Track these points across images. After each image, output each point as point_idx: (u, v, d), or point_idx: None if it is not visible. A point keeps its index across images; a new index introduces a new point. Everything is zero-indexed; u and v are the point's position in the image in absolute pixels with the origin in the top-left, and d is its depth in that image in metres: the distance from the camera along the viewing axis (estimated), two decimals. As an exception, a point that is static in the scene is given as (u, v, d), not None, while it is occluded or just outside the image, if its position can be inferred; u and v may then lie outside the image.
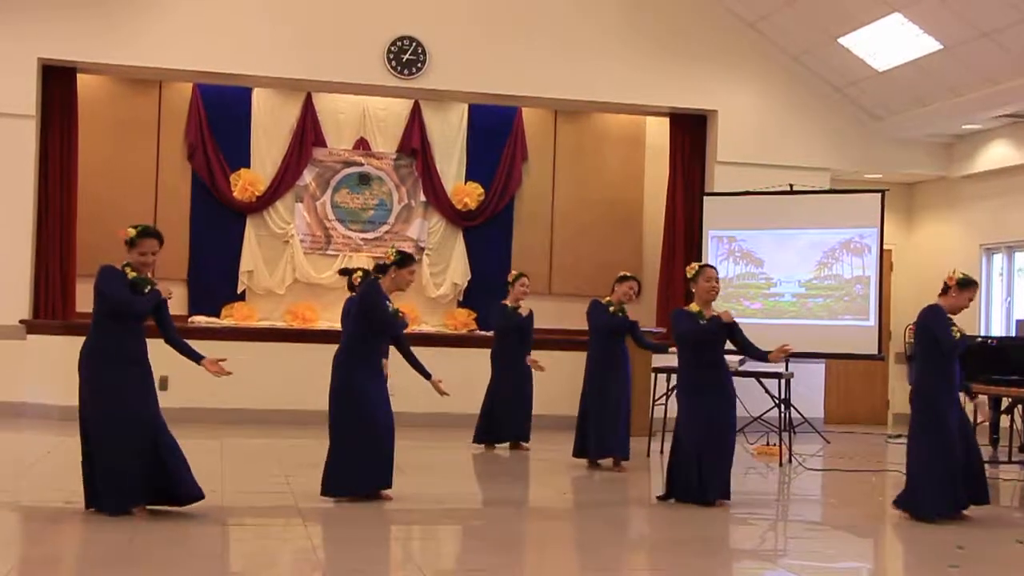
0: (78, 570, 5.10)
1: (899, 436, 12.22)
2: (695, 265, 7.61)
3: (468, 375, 10.19)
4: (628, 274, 9.12)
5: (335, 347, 8.49)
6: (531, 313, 10.05)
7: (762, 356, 7.49)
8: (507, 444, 9.93)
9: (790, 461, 9.66)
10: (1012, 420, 9.71)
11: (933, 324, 6.96)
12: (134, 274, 6.23)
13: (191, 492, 6.23)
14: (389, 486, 6.94)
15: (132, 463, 6.02)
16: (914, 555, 6.46)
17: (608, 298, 8.98)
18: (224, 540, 6.04)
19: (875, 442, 11.93)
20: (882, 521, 7.55)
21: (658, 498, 7.34)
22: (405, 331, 7.30)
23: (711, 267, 7.58)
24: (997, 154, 12.70)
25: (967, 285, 7.04)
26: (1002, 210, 12.78)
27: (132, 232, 6.24)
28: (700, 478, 7.13)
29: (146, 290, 6.23)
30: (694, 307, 7.40)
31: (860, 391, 13.96)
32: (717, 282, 7.41)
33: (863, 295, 11.65)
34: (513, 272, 10.29)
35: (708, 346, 7.34)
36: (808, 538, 6.70)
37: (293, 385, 11.06)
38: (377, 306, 6.87)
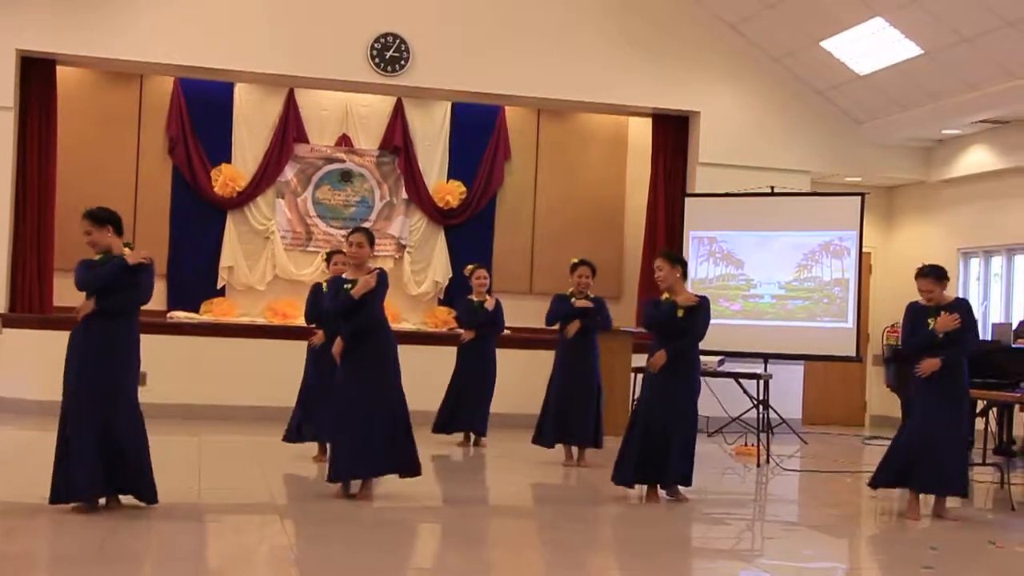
0: (53, 567, 5.08)
1: (875, 438, 12.30)
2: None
3: (448, 373, 10.18)
4: (577, 260, 9.06)
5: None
6: (498, 304, 9.98)
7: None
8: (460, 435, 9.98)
9: (768, 462, 9.69)
10: (987, 422, 9.77)
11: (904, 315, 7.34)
12: (99, 256, 6.18)
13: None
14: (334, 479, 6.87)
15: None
16: (888, 556, 6.51)
17: (569, 290, 9.00)
18: (201, 537, 6.03)
19: (852, 443, 11.99)
20: (858, 522, 7.61)
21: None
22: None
23: (658, 257, 7.56)
24: (976, 159, 12.78)
25: (915, 277, 7.30)
26: (980, 215, 12.86)
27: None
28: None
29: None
30: (666, 296, 7.42)
31: (838, 393, 14.02)
32: (660, 270, 7.40)
33: (842, 297, 11.70)
34: (469, 267, 10.16)
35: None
36: (784, 538, 6.73)
37: (273, 382, 10.99)
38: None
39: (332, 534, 6.02)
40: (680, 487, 7.38)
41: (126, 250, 6.21)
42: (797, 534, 6.92)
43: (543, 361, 11.04)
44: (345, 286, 6.88)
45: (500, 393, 9.99)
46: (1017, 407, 10.05)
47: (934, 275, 7.24)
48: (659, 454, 7.22)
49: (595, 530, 6.78)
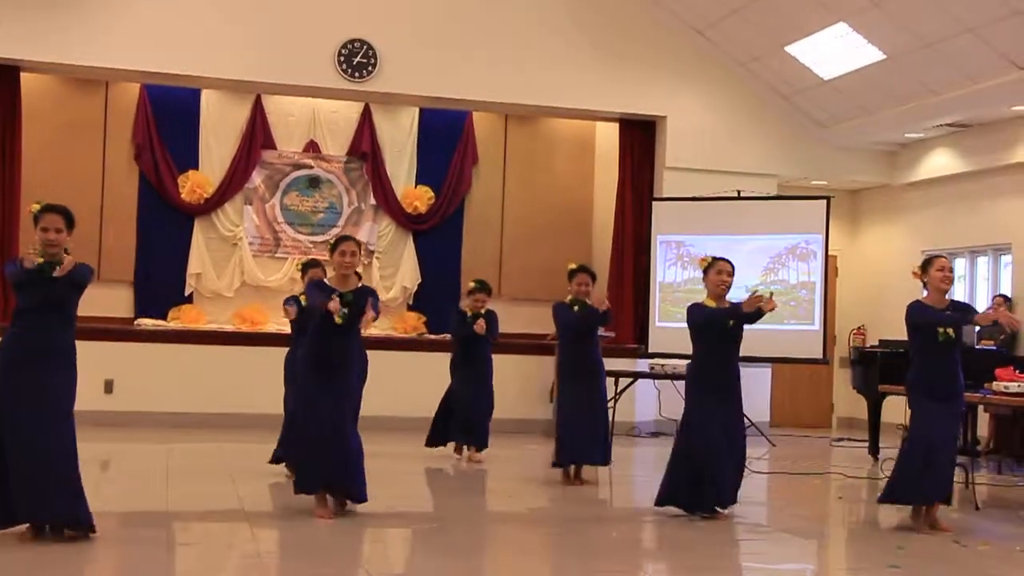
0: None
1: (843, 439, 12.42)
2: (708, 258, 7.26)
3: (418, 378, 10.19)
4: (574, 267, 8.52)
5: (284, 350, 8.48)
6: (487, 314, 9.61)
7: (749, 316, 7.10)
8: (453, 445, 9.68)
9: (736, 464, 9.73)
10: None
11: (909, 319, 6.85)
12: (40, 260, 5.56)
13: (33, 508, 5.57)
14: (331, 487, 6.64)
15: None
16: (856, 556, 6.57)
17: (569, 297, 8.50)
18: (169, 545, 6.00)
19: (820, 445, 12.09)
20: (826, 523, 7.68)
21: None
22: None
23: (724, 260, 7.17)
24: (938, 162, 12.94)
25: (925, 267, 6.89)
26: (943, 217, 13.02)
27: (36, 207, 5.76)
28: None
29: (54, 273, 5.57)
30: (709, 301, 7.15)
31: (805, 395, 14.13)
32: (729, 276, 7.13)
33: (808, 300, 11.80)
34: (471, 284, 9.75)
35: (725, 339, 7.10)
36: (753, 540, 6.78)
37: (241, 388, 10.99)
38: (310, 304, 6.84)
39: (304, 542, 6.00)
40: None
41: (67, 257, 5.69)
42: (766, 536, 6.98)
43: (509, 365, 11.09)
44: (333, 294, 6.59)
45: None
46: (981, 408, 10.17)
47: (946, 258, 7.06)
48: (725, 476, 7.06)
49: (561, 534, 6.78)
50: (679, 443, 7.18)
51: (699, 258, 7.40)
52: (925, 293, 6.96)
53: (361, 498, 6.65)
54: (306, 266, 8.41)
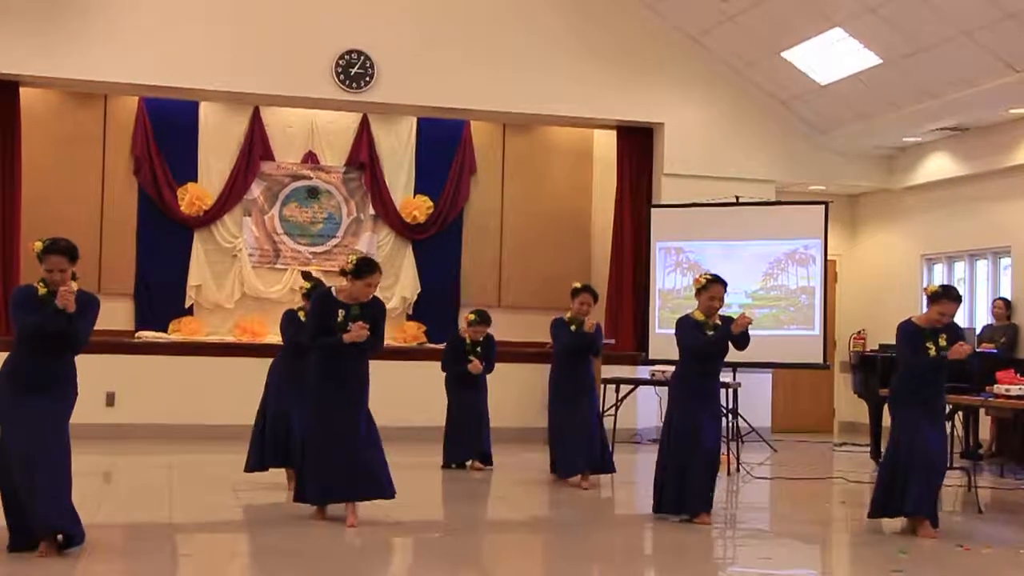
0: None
1: (844, 444, 12.41)
2: (703, 279, 7.22)
3: (418, 388, 10.18)
4: (579, 286, 8.78)
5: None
6: (486, 340, 9.73)
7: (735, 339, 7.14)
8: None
9: (738, 470, 9.75)
10: (953, 426, 9.89)
11: (897, 340, 7.00)
12: (45, 290, 5.57)
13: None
14: (353, 498, 6.67)
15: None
16: (859, 561, 6.57)
17: (569, 315, 8.72)
18: (173, 556, 6.00)
19: (822, 451, 12.08)
20: (828, 528, 7.68)
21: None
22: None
23: (720, 284, 7.17)
24: (936, 166, 12.95)
25: (934, 298, 6.97)
26: (942, 221, 13.02)
27: (39, 246, 5.60)
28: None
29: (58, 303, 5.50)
30: (698, 315, 7.19)
31: (806, 400, 14.12)
32: (720, 301, 7.17)
33: (808, 305, 11.80)
34: (470, 316, 9.75)
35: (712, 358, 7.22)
36: (756, 545, 6.78)
37: (242, 400, 10.93)
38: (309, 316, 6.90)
39: (307, 552, 6.00)
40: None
41: (73, 284, 5.62)
42: (768, 541, 6.98)
43: (509, 374, 11.09)
44: (340, 310, 6.69)
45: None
46: (983, 411, 10.18)
47: (959, 300, 7.04)
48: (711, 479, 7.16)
49: (562, 540, 6.78)
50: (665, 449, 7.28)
51: (695, 276, 7.48)
52: (926, 309, 7.11)
53: (389, 495, 6.71)
54: (311, 290, 8.30)
